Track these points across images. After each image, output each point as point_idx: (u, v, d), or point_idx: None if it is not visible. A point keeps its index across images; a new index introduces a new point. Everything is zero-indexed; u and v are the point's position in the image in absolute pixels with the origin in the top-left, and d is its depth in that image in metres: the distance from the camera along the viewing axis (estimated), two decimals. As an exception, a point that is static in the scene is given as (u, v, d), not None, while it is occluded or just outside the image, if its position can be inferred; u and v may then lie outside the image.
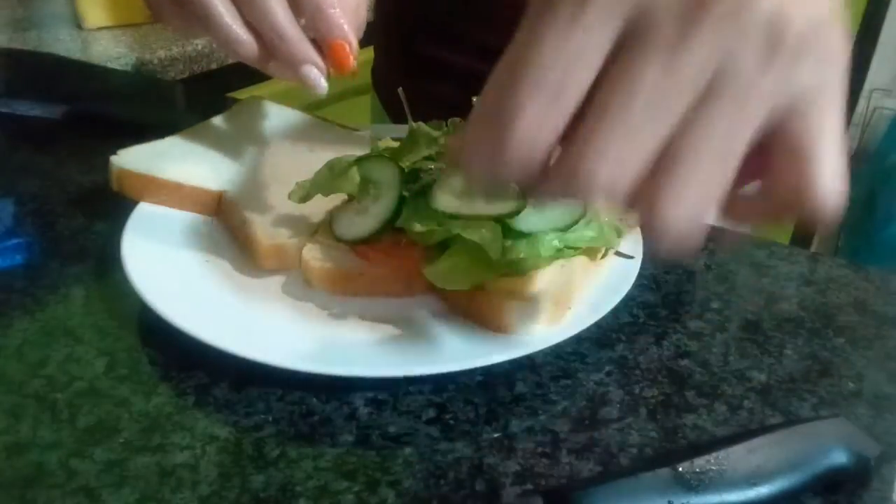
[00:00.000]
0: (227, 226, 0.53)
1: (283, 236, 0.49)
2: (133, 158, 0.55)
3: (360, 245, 0.47)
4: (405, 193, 0.46)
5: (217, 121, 0.62)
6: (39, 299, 0.48)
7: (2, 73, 0.80)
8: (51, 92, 0.73)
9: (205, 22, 0.46)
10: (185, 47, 1.19)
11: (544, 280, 0.43)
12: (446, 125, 0.52)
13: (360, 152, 0.51)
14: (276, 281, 0.48)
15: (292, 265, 0.49)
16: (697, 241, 0.27)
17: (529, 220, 0.44)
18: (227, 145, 0.59)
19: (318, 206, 0.50)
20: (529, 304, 0.42)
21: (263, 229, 0.49)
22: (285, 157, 0.58)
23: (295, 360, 0.40)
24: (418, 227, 0.44)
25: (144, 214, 0.52)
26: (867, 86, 2.03)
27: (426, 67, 0.80)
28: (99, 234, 0.55)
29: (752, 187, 0.30)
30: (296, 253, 0.48)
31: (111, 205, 0.55)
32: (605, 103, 0.26)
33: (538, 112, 0.26)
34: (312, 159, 0.52)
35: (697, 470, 0.33)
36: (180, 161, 0.55)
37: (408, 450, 0.38)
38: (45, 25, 1.21)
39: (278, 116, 0.64)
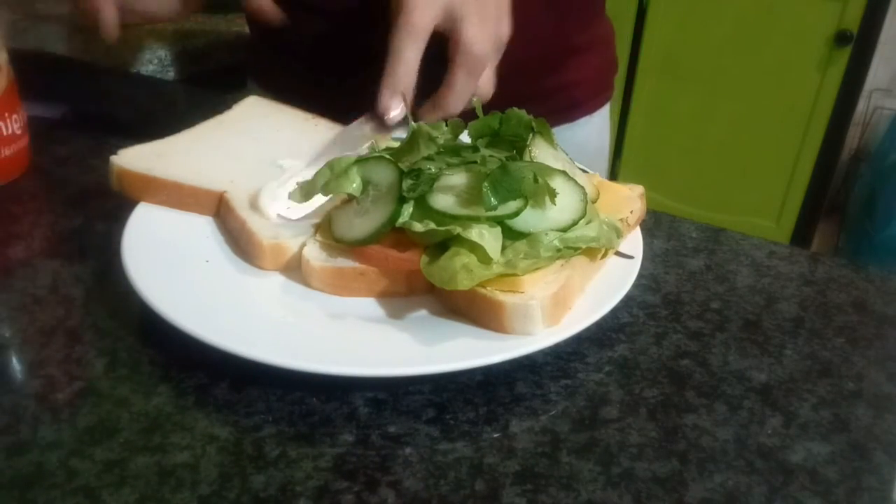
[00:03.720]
0: (227, 226, 0.53)
1: (284, 236, 0.49)
2: (133, 158, 0.55)
3: (360, 245, 0.47)
4: (405, 194, 0.46)
5: (217, 121, 0.62)
6: (39, 299, 0.48)
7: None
8: (51, 92, 0.73)
9: None
10: (186, 47, 1.19)
11: (544, 280, 0.43)
12: (446, 125, 0.52)
13: (360, 152, 0.51)
14: (276, 281, 0.48)
15: (292, 265, 0.49)
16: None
17: (529, 220, 0.44)
18: (227, 145, 0.59)
19: (319, 206, 0.50)
20: (529, 304, 0.42)
21: (264, 229, 0.49)
22: (286, 156, 0.58)
23: (295, 360, 0.40)
24: (418, 227, 0.44)
25: (144, 214, 0.52)
26: (867, 86, 2.03)
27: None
28: (99, 234, 0.55)
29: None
30: (296, 253, 0.48)
31: (111, 205, 0.55)
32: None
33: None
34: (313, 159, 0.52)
35: None
36: (180, 161, 0.55)
37: (408, 450, 0.38)
38: (45, 25, 1.21)
39: (278, 115, 0.64)
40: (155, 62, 1.14)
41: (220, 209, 0.54)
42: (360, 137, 0.57)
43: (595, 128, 0.90)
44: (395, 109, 0.54)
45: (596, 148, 0.92)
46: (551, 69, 0.82)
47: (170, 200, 0.54)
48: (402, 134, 0.55)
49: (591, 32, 0.87)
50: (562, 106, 0.84)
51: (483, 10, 0.54)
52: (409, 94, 0.54)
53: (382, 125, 0.56)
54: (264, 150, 0.59)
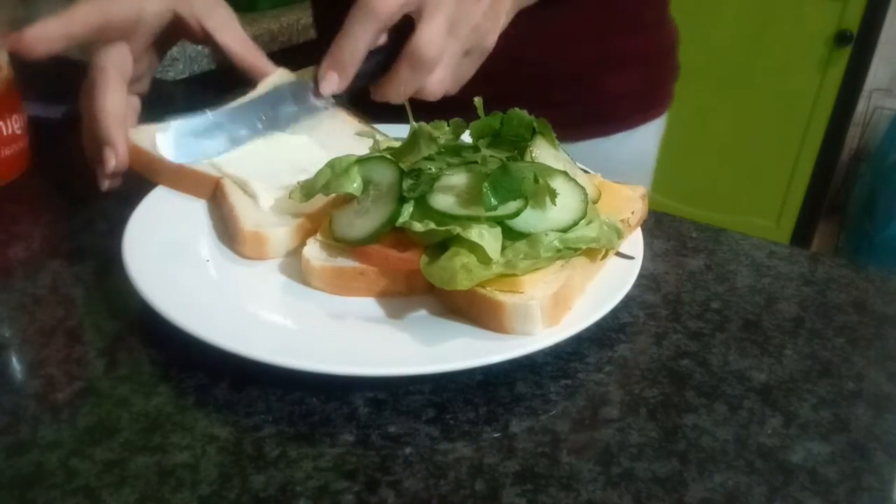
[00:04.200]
0: (220, 212, 0.53)
1: (265, 225, 0.49)
2: (146, 135, 0.56)
3: (360, 245, 0.47)
4: (405, 194, 0.46)
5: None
6: (39, 299, 0.48)
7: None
8: (51, 92, 0.73)
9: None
10: (185, 47, 1.19)
11: (544, 281, 0.43)
12: (448, 125, 0.52)
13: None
14: (277, 280, 0.48)
15: (271, 254, 0.49)
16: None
17: (529, 220, 0.44)
18: (243, 131, 0.59)
19: (309, 201, 0.51)
20: (528, 304, 0.42)
21: (248, 217, 0.50)
22: (295, 147, 0.58)
23: (295, 359, 0.40)
24: (418, 227, 0.44)
25: (146, 214, 0.52)
26: (867, 86, 2.03)
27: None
28: (99, 234, 0.55)
29: None
30: (275, 244, 0.49)
31: (111, 205, 0.55)
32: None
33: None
34: (321, 154, 0.52)
35: None
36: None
37: (408, 450, 0.38)
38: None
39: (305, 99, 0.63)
40: (155, 62, 1.13)
41: (216, 193, 0.54)
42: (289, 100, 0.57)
43: (635, 144, 0.83)
44: (329, 84, 0.53)
45: (632, 166, 0.84)
46: (577, 79, 0.77)
47: (172, 181, 0.55)
48: (326, 106, 0.57)
49: (636, 40, 0.80)
50: (590, 119, 0.79)
51: (460, 15, 0.52)
52: (349, 73, 0.53)
53: (315, 93, 0.55)
54: (277, 139, 0.59)
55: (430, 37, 0.51)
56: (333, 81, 0.53)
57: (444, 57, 0.52)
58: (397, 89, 0.53)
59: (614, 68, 0.79)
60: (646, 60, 0.82)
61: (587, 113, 0.79)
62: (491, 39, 0.55)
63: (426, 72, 0.52)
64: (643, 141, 0.85)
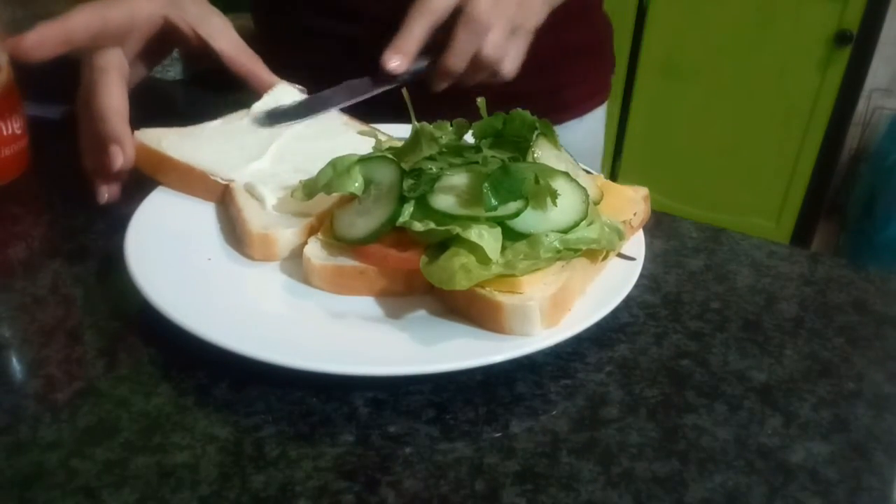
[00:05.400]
0: (228, 214, 0.53)
1: (273, 227, 0.49)
2: (154, 137, 0.56)
3: (361, 244, 0.47)
4: (406, 194, 0.46)
5: (247, 112, 0.62)
6: (39, 299, 0.48)
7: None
8: (51, 92, 0.73)
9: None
10: (185, 47, 1.19)
11: (543, 281, 0.43)
12: (451, 126, 0.53)
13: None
14: (277, 280, 0.48)
15: (279, 256, 0.50)
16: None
17: (529, 221, 0.44)
18: (250, 136, 0.59)
19: (315, 201, 0.51)
20: (527, 305, 0.41)
21: (255, 219, 0.50)
22: (301, 150, 0.58)
23: (295, 358, 0.40)
24: (418, 227, 0.44)
25: (147, 214, 0.52)
26: (867, 86, 2.03)
27: (301, 34, 0.84)
28: (99, 234, 0.55)
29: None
30: (284, 245, 0.49)
31: (111, 204, 0.55)
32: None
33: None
34: (327, 156, 0.52)
35: None
36: (198, 146, 0.56)
37: (408, 450, 0.38)
38: (45, 25, 1.21)
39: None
40: (155, 62, 1.13)
41: (224, 197, 0.54)
42: (359, 86, 0.62)
43: (586, 131, 0.90)
44: (395, 61, 0.59)
45: (587, 152, 0.90)
46: (538, 70, 0.79)
47: (180, 183, 0.55)
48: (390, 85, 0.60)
49: (583, 33, 0.86)
50: (549, 108, 0.82)
51: (503, 1, 0.59)
52: (411, 55, 0.59)
53: (382, 78, 0.61)
54: (283, 142, 0.59)
55: (482, 4, 0.58)
56: (398, 59, 0.59)
57: (495, 22, 0.59)
58: (457, 58, 0.59)
59: (567, 59, 0.85)
60: (591, 52, 0.89)
61: (546, 102, 0.83)
62: (532, 22, 0.63)
63: (482, 32, 0.58)
64: (592, 127, 0.92)
